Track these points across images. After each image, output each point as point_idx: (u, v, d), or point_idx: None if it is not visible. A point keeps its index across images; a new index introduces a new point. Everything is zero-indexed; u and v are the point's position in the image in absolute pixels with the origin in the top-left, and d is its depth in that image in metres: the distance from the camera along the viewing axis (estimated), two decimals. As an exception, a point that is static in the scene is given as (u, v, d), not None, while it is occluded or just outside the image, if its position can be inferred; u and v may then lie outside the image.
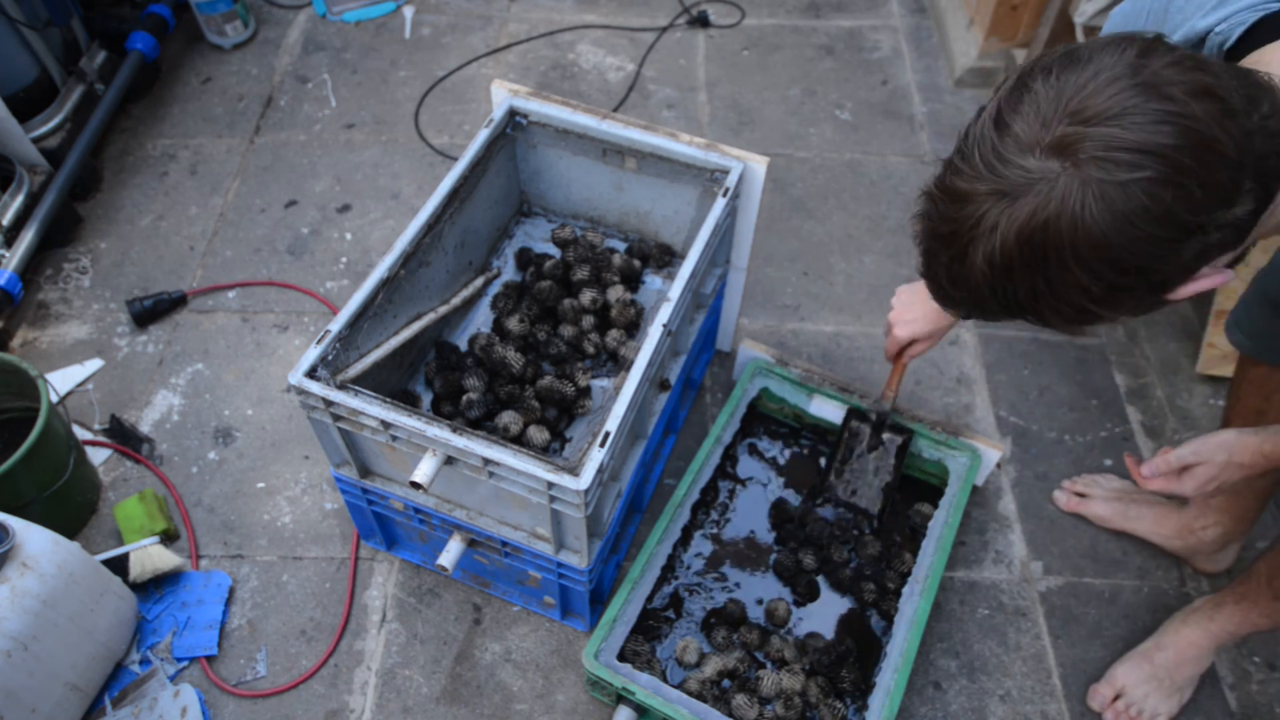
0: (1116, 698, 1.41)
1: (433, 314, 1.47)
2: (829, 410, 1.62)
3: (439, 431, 1.14)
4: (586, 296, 1.53)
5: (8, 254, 1.81)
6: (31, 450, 1.38)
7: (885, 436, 1.57)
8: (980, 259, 0.72)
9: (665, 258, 1.64)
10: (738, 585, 1.51)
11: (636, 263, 1.61)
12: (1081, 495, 1.64)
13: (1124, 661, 1.43)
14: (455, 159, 1.95)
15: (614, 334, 1.52)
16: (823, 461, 1.65)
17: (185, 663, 1.44)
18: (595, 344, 1.53)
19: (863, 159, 2.23)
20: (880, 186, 2.17)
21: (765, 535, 1.57)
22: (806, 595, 1.49)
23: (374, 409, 1.16)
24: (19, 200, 1.86)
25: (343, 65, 2.42)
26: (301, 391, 1.18)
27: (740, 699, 1.32)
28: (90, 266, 1.98)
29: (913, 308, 1.37)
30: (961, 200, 0.72)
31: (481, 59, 2.45)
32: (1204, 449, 1.05)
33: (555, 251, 1.65)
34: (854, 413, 1.59)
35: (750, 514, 1.59)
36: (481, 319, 1.60)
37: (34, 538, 1.24)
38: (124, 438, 1.68)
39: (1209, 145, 0.64)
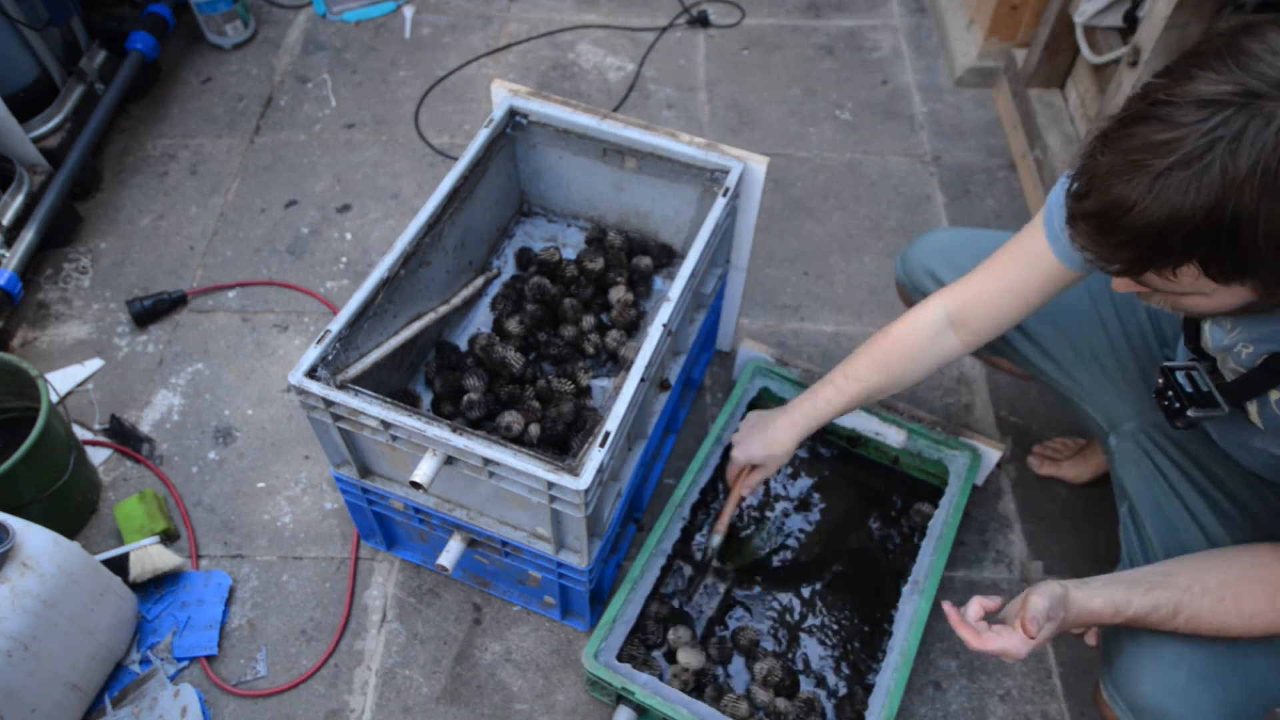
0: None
1: (433, 314, 1.47)
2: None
3: (439, 431, 1.14)
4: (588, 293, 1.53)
5: (8, 254, 1.81)
6: (31, 450, 1.38)
7: (708, 583, 1.49)
8: (1218, 168, 0.71)
9: (665, 258, 1.64)
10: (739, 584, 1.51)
11: (647, 261, 1.61)
12: (1053, 459, 1.67)
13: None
14: (455, 159, 1.95)
15: (614, 334, 1.52)
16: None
17: (185, 663, 1.44)
18: (595, 344, 1.53)
19: (863, 159, 2.23)
20: (880, 186, 2.17)
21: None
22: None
23: (374, 409, 1.16)
24: (19, 200, 1.86)
25: (343, 65, 2.42)
26: (302, 391, 1.18)
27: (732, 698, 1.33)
28: (90, 266, 1.98)
29: (754, 432, 1.35)
30: (1200, 104, 0.72)
31: (481, 59, 2.45)
32: (1038, 607, 0.98)
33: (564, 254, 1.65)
34: (675, 549, 1.48)
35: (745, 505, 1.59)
36: (481, 319, 1.60)
37: (34, 538, 1.24)
38: (124, 438, 1.68)
39: None
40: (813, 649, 1.44)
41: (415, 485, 1.15)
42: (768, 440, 1.32)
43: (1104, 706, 1.10)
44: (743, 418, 1.63)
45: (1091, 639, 1.14)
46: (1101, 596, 1.00)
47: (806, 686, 1.40)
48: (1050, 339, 1.31)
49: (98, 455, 1.67)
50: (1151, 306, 1.28)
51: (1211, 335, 1.03)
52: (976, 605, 1.04)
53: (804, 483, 1.64)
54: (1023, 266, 1.14)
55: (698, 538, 1.53)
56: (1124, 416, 1.27)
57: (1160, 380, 1.08)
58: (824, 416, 1.30)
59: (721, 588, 1.49)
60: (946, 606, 1.06)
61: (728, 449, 1.61)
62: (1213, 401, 1.02)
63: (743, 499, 1.42)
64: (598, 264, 1.57)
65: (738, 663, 1.42)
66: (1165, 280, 0.81)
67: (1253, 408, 1.00)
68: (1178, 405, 1.05)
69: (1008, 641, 1.00)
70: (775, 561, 1.53)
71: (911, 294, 1.44)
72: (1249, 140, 0.70)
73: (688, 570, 1.51)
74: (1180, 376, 1.05)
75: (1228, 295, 0.82)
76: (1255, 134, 0.70)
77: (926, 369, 1.26)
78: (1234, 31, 0.75)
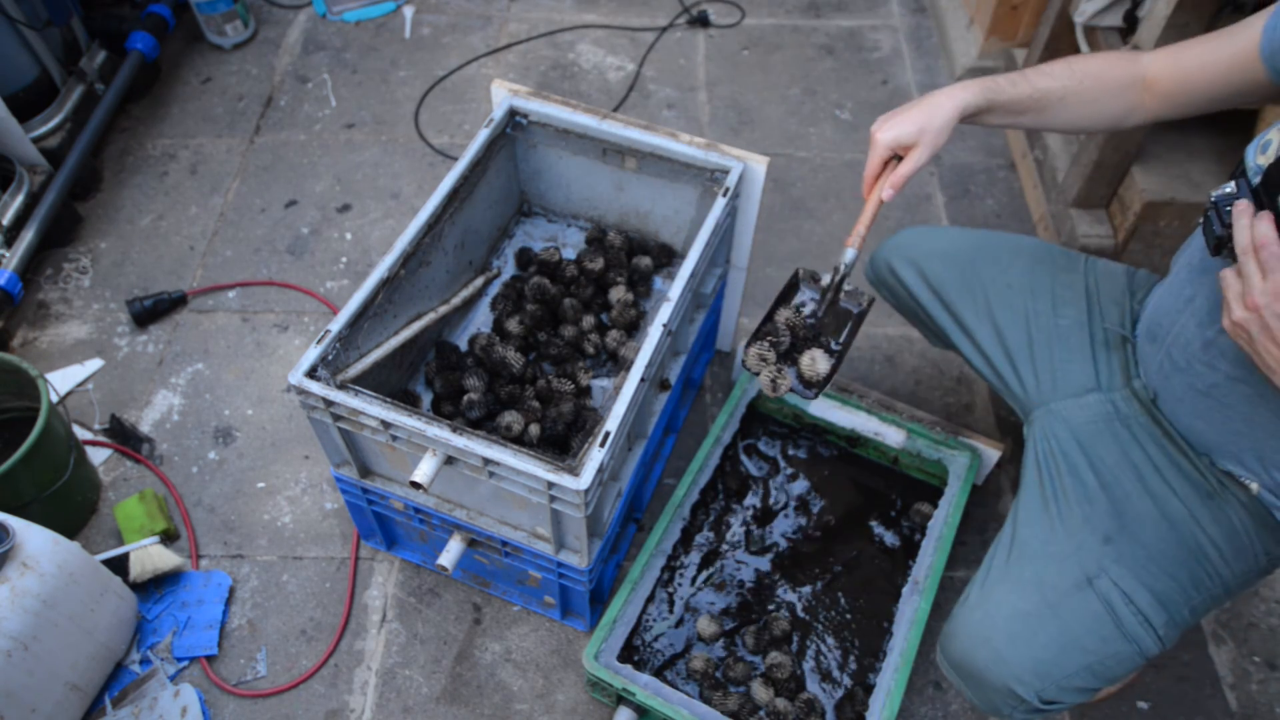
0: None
1: (433, 314, 1.47)
2: (829, 410, 1.62)
3: (439, 431, 1.14)
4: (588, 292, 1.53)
5: (8, 254, 1.81)
6: (31, 450, 1.38)
7: (843, 299, 1.27)
8: None
9: (665, 258, 1.64)
10: (739, 582, 1.51)
11: (647, 261, 1.61)
12: None
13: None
14: (455, 159, 1.95)
15: (614, 334, 1.52)
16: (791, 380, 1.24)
17: (185, 662, 1.45)
18: (595, 344, 1.53)
19: (863, 159, 2.22)
20: (880, 186, 2.17)
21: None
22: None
23: (374, 409, 1.16)
24: (19, 200, 1.86)
25: (343, 65, 2.42)
26: (302, 391, 1.18)
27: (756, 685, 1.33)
28: (90, 266, 1.98)
29: (899, 111, 1.14)
30: None
31: (481, 59, 2.45)
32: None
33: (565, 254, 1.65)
34: (805, 272, 1.29)
35: (740, 517, 1.59)
36: (481, 319, 1.60)
37: (34, 538, 1.24)
38: (124, 437, 1.68)
39: None
40: (813, 649, 1.44)
41: (415, 485, 1.15)
42: (922, 111, 1.10)
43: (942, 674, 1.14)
44: (742, 418, 1.64)
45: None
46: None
47: (807, 686, 1.41)
48: (983, 332, 1.32)
49: (98, 455, 1.67)
50: (1092, 287, 1.29)
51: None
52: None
53: (804, 483, 1.64)
54: (1217, 45, 1.07)
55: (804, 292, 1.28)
56: (1033, 405, 1.28)
57: (1229, 187, 0.96)
58: (998, 90, 1.12)
59: (856, 308, 1.26)
60: None
61: (727, 451, 1.61)
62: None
63: (883, 202, 1.16)
64: (598, 264, 1.57)
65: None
66: None
67: None
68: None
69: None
70: (776, 562, 1.53)
71: (879, 289, 1.46)
72: None
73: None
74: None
75: None
76: None
77: (1111, 111, 1.15)
78: None
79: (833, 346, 1.23)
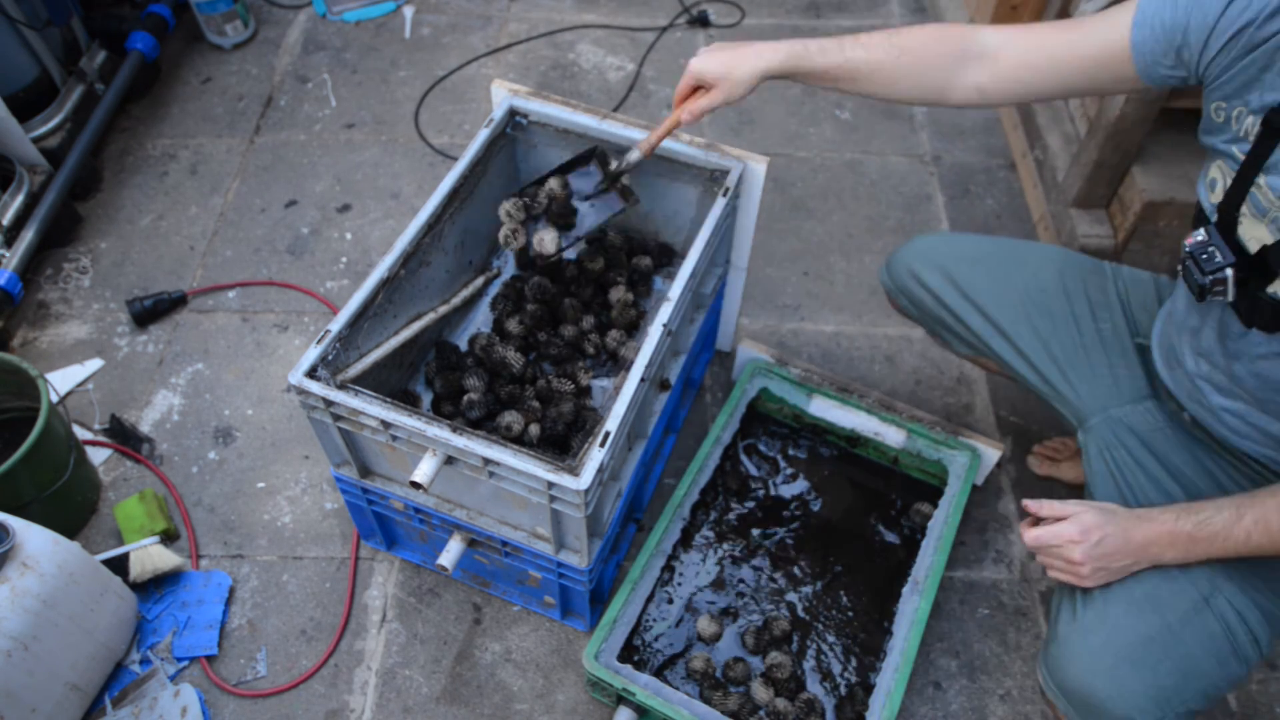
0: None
1: (433, 314, 1.47)
2: (829, 410, 1.62)
3: (439, 431, 1.14)
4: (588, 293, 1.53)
5: (8, 254, 1.81)
6: (31, 450, 1.38)
7: (613, 196, 1.36)
8: None
9: (665, 258, 1.64)
10: (740, 582, 1.51)
11: (647, 261, 1.61)
12: (1052, 459, 1.67)
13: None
14: (455, 159, 1.95)
15: (614, 334, 1.52)
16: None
17: (185, 662, 1.44)
18: (595, 344, 1.53)
19: (863, 159, 2.23)
20: (880, 186, 2.17)
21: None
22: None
23: (374, 409, 1.16)
24: (19, 200, 1.86)
25: (343, 65, 2.42)
26: (302, 391, 1.18)
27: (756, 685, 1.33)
28: (90, 266, 1.98)
29: (720, 49, 1.18)
30: None
31: (481, 59, 2.45)
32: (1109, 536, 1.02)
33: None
34: (603, 152, 1.39)
35: (746, 512, 1.59)
36: (481, 319, 1.60)
37: (34, 538, 1.24)
38: (124, 438, 1.68)
39: None
40: (813, 649, 1.44)
41: (415, 485, 1.15)
42: (732, 56, 1.16)
43: (1043, 694, 1.11)
44: (743, 418, 1.64)
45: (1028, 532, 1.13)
46: (1157, 510, 1.03)
47: (807, 686, 1.41)
48: (1024, 337, 1.31)
49: (98, 455, 1.67)
50: (1123, 294, 1.29)
51: (1270, 186, 0.94)
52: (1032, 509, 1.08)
53: (804, 483, 1.64)
54: (1083, 36, 1.05)
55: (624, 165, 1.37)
56: (1091, 411, 1.27)
57: (1199, 236, 1.00)
58: (807, 57, 1.14)
59: (618, 206, 1.38)
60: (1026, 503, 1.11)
61: (727, 451, 1.61)
62: (1247, 263, 0.96)
63: (680, 123, 1.24)
64: (598, 264, 1.57)
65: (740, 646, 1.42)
66: None
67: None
68: (1217, 259, 0.97)
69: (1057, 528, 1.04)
70: (776, 562, 1.53)
71: (897, 298, 1.44)
72: None
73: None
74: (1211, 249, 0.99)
75: None
76: None
77: (931, 85, 1.15)
78: None
79: (571, 235, 1.32)
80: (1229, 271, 0.97)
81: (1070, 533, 1.03)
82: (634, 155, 1.34)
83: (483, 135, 1.47)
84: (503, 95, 1.52)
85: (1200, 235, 1.00)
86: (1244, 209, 0.96)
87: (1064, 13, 2.02)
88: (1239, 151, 0.95)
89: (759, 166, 1.42)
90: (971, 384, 1.82)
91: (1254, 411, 1.06)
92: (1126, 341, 1.27)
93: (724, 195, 1.38)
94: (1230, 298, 0.98)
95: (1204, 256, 0.98)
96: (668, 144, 1.45)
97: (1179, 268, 1.05)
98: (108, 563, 1.43)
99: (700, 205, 1.54)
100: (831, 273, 2.00)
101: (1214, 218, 0.99)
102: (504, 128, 1.52)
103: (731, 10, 2.60)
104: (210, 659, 1.45)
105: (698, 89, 1.22)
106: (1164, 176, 1.78)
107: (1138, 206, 1.77)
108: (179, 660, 1.44)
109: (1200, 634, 1.01)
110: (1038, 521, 1.09)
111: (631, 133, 1.46)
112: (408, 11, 2.57)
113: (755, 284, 1.96)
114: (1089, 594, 1.07)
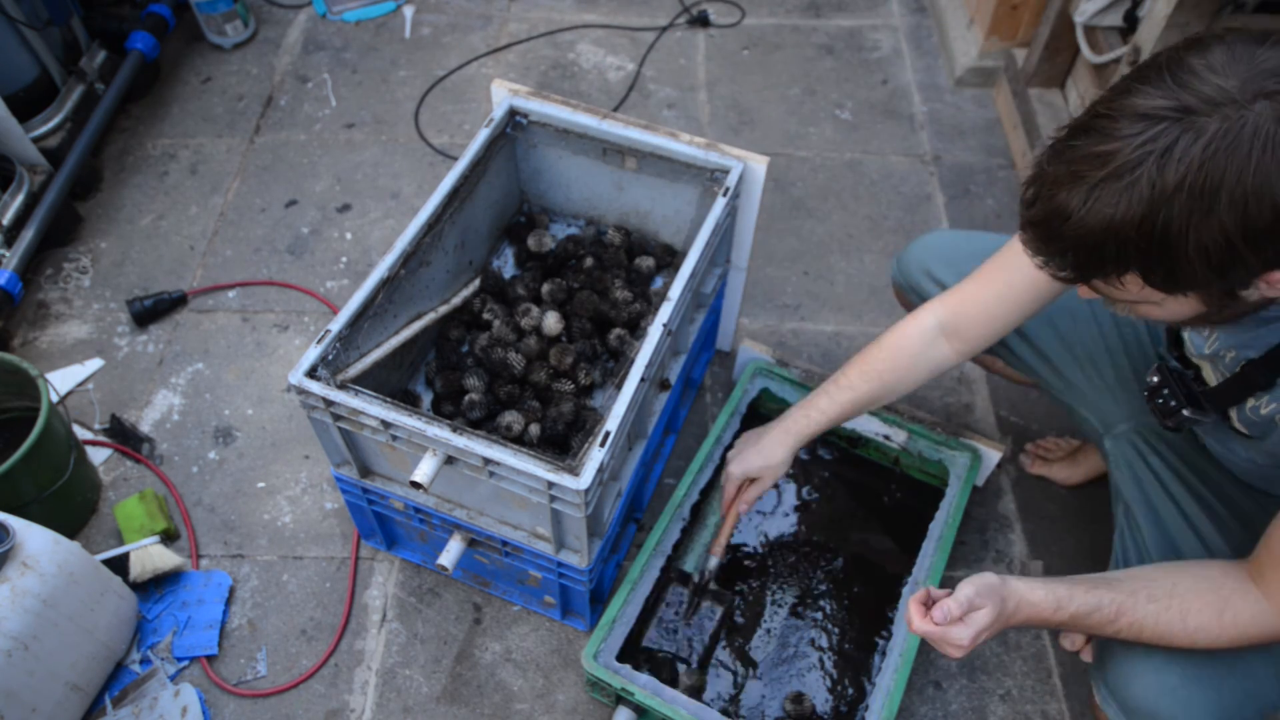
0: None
1: (433, 314, 1.47)
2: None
3: (439, 431, 1.14)
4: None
5: (8, 254, 1.81)
6: (32, 450, 1.38)
7: (705, 605, 1.44)
8: (1146, 181, 0.72)
9: (665, 258, 1.64)
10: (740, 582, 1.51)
11: (648, 262, 1.61)
12: (1045, 459, 1.67)
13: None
14: (455, 159, 1.95)
15: (615, 333, 1.52)
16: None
17: (185, 662, 1.45)
18: (595, 344, 1.53)
19: (863, 158, 2.23)
20: (880, 186, 2.17)
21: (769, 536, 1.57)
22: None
23: (374, 409, 1.16)
24: (19, 200, 1.86)
25: (343, 65, 2.42)
26: (302, 391, 1.18)
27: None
28: (90, 266, 1.98)
29: (748, 446, 1.33)
30: (1136, 118, 0.73)
31: (481, 58, 2.45)
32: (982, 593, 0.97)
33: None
34: (675, 573, 1.46)
35: (748, 516, 1.59)
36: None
37: (34, 537, 1.24)
38: (124, 437, 1.68)
39: None
40: (813, 649, 1.44)
41: (415, 485, 1.15)
42: (763, 452, 1.31)
43: (1098, 709, 1.09)
44: (743, 418, 1.64)
45: (1087, 655, 1.13)
46: (1043, 589, 1.00)
47: (808, 686, 1.40)
48: (1047, 341, 1.31)
49: (98, 455, 1.67)
50: None
51: (1192, 342, 1.03)
52: (923, 591, 1.03)
53: (804, 484, 1.64)
54: (1014, 273, 1.13)
55: (697, 561, 1.49)
56: (1119, 418, 1.27)
57: (1155, 379, 1.08)
58: (818, 426, 1.29)
59: (718, 611, 1.44)
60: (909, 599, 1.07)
61: (723, 460, 1.61)
62: (1200, 404, 1.03)
63: (740, 516, 1.38)
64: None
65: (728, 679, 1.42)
66: (1114, 288, 0.82)
67: (1234, 414, 1.00)
68: (1172, 404, 1.05)
69: (948, 630, 0.98)
70: (776, 561, 1.53)
71: (908, 294, 1.44)
72: (1178, 155, 0.71)
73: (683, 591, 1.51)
74: (1175, 376, 1.06)
75: (1177, 305, 0.82)
76: (1184, 149, 0.71)
77: (919, 378, 1.27)
78: (1182, 46, 0.76)
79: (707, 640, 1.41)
80: (1186, 412, 1.04)
81: (962, 639, 0.98)
82: (713, 563, 1.40)
83: (483, 135, 1.47)
84: (503, 95, 1.52)
85: (1155, 378, 1.08)
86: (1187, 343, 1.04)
87: (1064, 12, 2.02)
88: None
89: (759, 166, 1.42)
90: (972, 384, 1.82)
91: (1270, 467, 1.06)
92: (1149, 350, 1.26)
93: (724, 195, 1.38)
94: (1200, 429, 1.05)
95: (1159, 402, 1.07)
96: (669, 145, 1.45)
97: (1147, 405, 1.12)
98: (108, 562, 1.43)
99: (700, 205, 1.54)
100: (831, 272, 2.00)
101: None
102: (504, 128, 1.52)
103: (731, 10, 2.60)
104: (210, 659, 1.45)
105: (743, 484, 1.35)
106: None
107: (1138, 207, 1.77)
108: (179, 660, 1.44)
109: (1261, 651, 1.00)
110: (928, 600, 1.03)
111: (632, 133, 1.46)
112: (408, 11, 2.57)
113: (755, 284, 1.96)
114: None
